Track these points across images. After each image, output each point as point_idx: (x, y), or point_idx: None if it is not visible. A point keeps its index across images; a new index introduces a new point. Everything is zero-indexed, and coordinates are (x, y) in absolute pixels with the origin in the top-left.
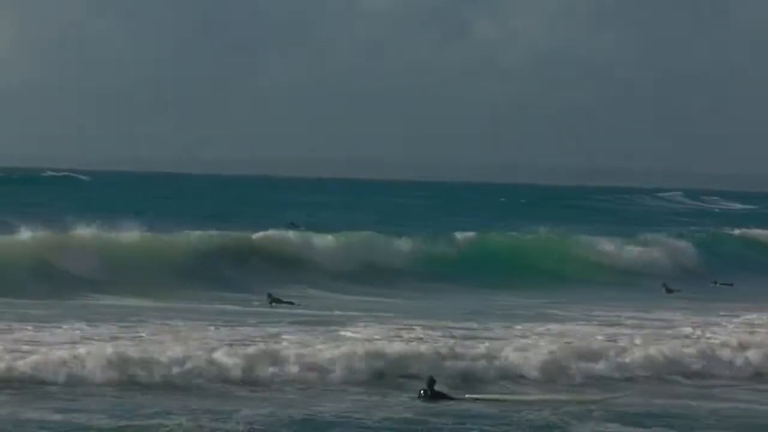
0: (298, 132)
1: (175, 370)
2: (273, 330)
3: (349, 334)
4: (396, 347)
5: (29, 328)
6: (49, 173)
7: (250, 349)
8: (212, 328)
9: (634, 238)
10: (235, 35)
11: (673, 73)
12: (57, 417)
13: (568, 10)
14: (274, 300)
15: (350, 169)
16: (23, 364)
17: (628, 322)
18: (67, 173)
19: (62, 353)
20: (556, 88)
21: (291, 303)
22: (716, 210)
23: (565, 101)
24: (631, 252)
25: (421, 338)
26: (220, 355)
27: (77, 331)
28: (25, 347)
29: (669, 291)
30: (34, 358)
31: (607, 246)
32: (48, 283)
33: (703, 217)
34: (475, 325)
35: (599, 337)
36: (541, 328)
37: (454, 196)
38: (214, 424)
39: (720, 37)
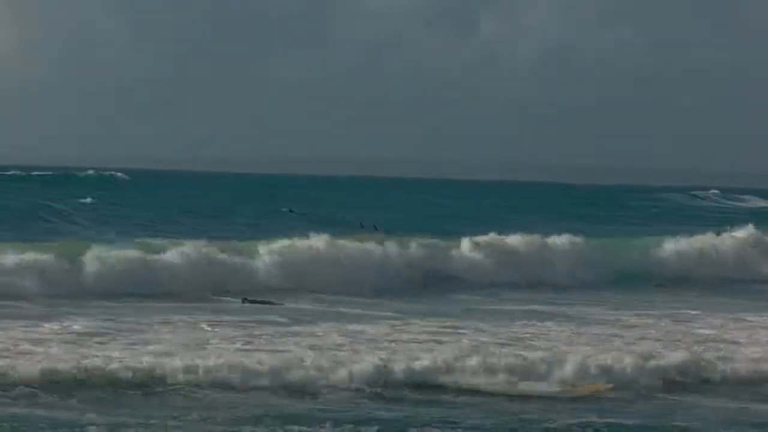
0: (302, 131)
1: None
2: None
3: None
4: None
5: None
6: (90, 172)
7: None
8: None
9: None
10: (238, 34)
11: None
12: None
13: (579, 8)
14: (250, 301)
15: (352, 168)
16: None
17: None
18: (100, 172)
19: None
20: (562, 87)
21: (269, 303)
22: (758, 208)
23: (565, 101)
24: None
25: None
26: None
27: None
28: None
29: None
30: None
31: None
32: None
33: (753, 215)
34: None
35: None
36: None
37: (473, 195)
38: None
39: (732, 36)
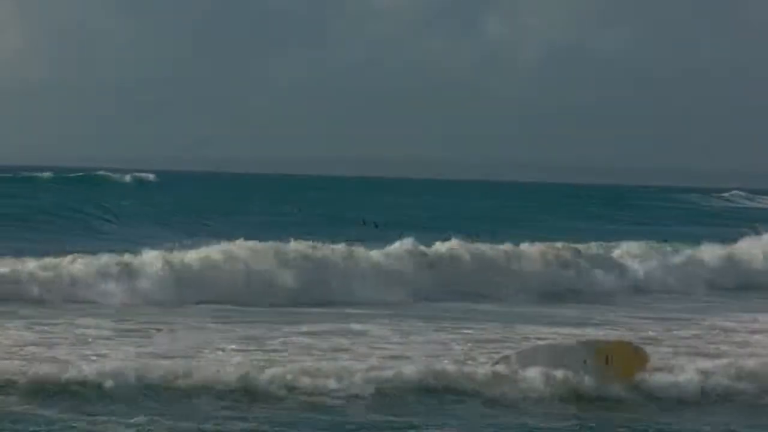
0: (302, 131)
1: None
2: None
3: None
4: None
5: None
6: (105, 173)
7: None
8: None
9: None
10: (238, 34)
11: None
12: None
13: (579, 8)
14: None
15: (352, 168)
16: None
17: None
18: (128, 174)
19: None
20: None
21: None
22: None
23: (565, 100)
24: None
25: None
26: None
27: None
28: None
29: None
30: None
31: None
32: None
33: None
34: None
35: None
36: None
37: (473, 195)
38: None
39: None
